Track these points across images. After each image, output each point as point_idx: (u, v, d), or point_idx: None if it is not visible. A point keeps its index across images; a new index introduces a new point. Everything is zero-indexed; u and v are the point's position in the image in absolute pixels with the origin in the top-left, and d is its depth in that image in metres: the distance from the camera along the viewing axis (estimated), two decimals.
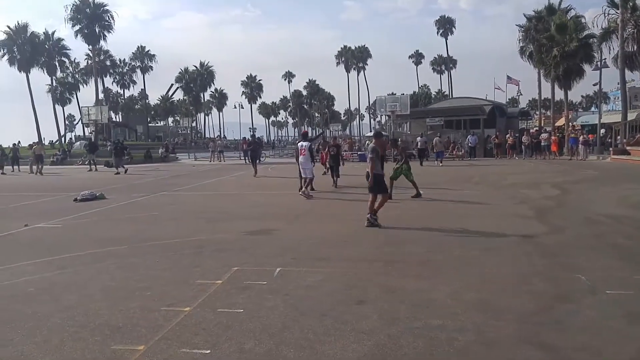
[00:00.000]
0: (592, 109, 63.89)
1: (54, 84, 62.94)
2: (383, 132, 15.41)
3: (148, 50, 74.01)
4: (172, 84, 78.84)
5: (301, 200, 12.10)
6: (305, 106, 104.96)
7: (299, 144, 13.67)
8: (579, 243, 7.06)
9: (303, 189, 12.77)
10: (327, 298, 4.81)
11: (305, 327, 4.07)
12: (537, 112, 50.63)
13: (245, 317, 4.33)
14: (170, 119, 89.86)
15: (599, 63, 31.82)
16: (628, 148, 26.93)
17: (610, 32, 30.22)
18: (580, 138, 28.15)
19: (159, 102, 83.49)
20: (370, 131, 67.17)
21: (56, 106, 62.75)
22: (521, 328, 3.98)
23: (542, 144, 29.05)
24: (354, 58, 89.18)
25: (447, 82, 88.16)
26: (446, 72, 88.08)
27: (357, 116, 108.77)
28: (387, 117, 39.22)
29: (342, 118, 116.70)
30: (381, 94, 34.69)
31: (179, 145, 54.58)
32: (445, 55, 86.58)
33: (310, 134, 18.50)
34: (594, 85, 34.64)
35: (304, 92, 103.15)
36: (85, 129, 59.75)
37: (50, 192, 15.47)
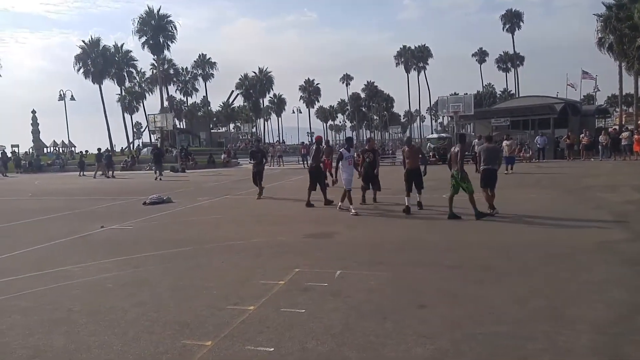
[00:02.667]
0: None
1: (123, 93, 66.76)
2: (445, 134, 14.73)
3: (209, 58, 76.05)
4: (232, 91, 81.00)
5: (359, 205, 11.87)
6: (363, 109, 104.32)
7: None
8: None
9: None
10: (388, 301, 4.80)
11: (366, 330, 4.08)
12: (618, 109, 47.19)
13: (307, 317, 4.40)
14: (232, 125, 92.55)
15: None
16: None
17: None
18: None
19: (220, 108, 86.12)
20: (432, 133, 65.73)
21: (125, 115, 66.83)
22: (596, 339, 3.78)
23: (623, 143, 26.70)
24: (413, 58, 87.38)
25: (513, 80, 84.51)
26: (512, 69, 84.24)
27: (418, 118, 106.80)
28: (449, 118, 38.24)
29: (402, 120, 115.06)
30: (443, 94, 33.85)
31: (240, 150, 56.07)
32: (511, 52, 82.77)
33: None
34: None
35: (362, 95, 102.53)
36: (152, 135, 62.78)
37: (121, 196, 16.42)
